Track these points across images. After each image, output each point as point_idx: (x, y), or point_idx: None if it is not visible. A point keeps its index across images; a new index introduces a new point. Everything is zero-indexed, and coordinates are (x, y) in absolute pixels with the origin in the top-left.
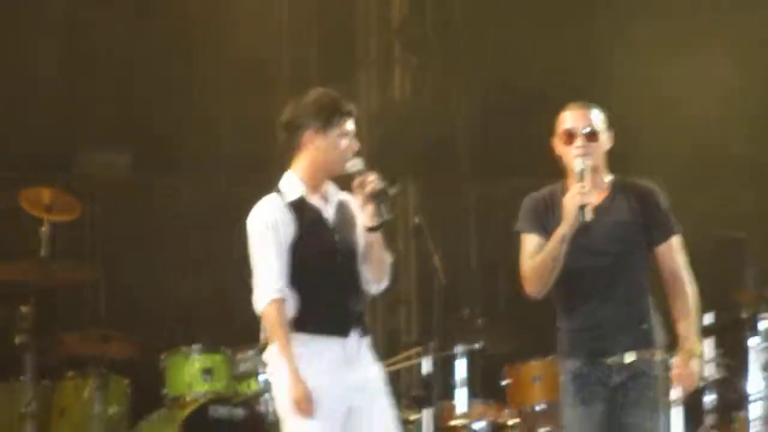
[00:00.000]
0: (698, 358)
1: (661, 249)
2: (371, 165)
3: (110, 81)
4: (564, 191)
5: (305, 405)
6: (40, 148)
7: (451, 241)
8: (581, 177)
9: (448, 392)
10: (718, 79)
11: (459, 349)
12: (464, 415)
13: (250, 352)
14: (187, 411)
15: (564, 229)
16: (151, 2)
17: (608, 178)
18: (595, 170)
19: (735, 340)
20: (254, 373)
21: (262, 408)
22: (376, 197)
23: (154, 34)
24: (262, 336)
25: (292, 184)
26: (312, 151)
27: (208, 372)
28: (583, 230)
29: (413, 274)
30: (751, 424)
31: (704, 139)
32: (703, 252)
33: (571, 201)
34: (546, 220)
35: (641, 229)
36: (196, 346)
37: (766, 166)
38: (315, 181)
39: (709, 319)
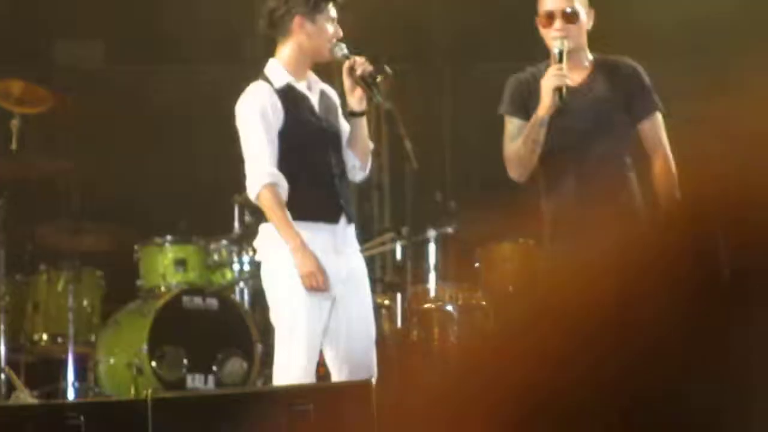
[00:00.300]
0: None
1: (644, 125)
2: (354, 50)
3: None
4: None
5: (319, 276)
6: (9, 39)
7: (424, 125)
8: (559, 59)
9: (422, 276)
10: None
11: (431, 233)
12: (436, 298)
13: (224, 242)
14: (161, 302)
15: (541, 112)
16: None
17: (590, 56)
18: (575, 50)
19: None
20: (228, 263)
21: (236, 297)
22: (366, 81)
23: None
24: (236, 225)
25: (278, 71)
26: (300, 38)
27: (181, 263)
28: (562, 111)
29: (385, 160)
30: None
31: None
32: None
33: (547, 83)
34: (528, 102)
35: (623, 107)
36: (169, 237)
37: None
38: (300, 69)
39: None
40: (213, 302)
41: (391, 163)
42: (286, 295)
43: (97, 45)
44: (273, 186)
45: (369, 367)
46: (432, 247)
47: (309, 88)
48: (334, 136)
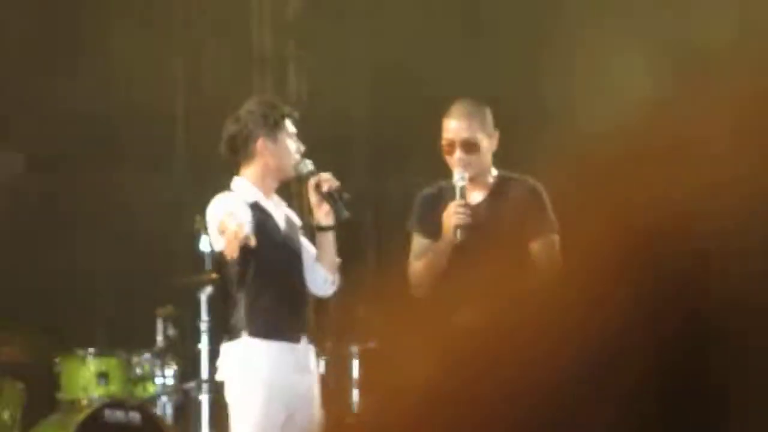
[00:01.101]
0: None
1: (534, 246)
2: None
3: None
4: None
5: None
6: None
7: (346, 241)
8: (460, 194)
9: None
10: None
11: (353, 349)
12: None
13: (146, 355)
14: (81, 415)
15: (440, 246)
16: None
17: (494, 173)
18: (477, 175)
19: None
20: (150, 377)
21: (158, 411)
22: (333, 197)
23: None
24: (158, 338)
25: (247, 188)
26: (265, 158)
27: (103, 376)
28: (460, 244)
29: None
30: None
31: None
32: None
33: (447, 220)
34: (433, 219)
35: (516, 229)
36: (91, 350)
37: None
38: (267, 188)
39: None
40: (135, 416)
41: None
42: (251, 416)
43: (15, 153)
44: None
45: None
46: (355, 363)
47: (275, 206)
48: (298, 256)
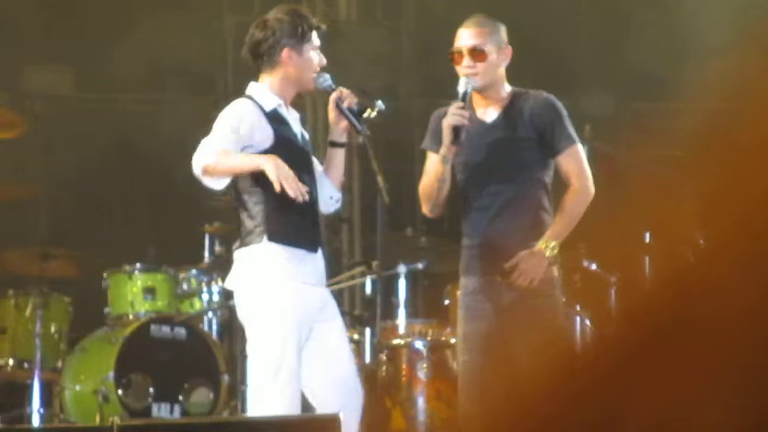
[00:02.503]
0: (543, 257)
1: (559, 159)
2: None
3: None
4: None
5: (287, 168)
6: None
7: (395, 159)
8: (462, 98)
9: (391, 312)
10: None
11: (402, 268)
12: (405, 335)
13: (194, 271)
14: (128, 330)
15: (443, 150)
16: None
17: (507, 90)
18: (487, 87)
19: None
20: (197, 293)
21: (204, 327)
22: (354, 113)
23: None
24: (206, 255)
25: (266, 95)
26: (288, 68)
27: (150, 291)
28: (473, 148)
29: (356, 194)
30: None
31: None
32: (642, 170)
33: (445, 122)
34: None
35: (535, 142)
36: (138, 265)
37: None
38: (286, 96)
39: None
40: (181, 331)
41: (362, 197)
42: (268, 328)
43: (67, 72)
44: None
45: (356, 390)
46: (402, 283)
47: (291, 116)
48: (312, 166)
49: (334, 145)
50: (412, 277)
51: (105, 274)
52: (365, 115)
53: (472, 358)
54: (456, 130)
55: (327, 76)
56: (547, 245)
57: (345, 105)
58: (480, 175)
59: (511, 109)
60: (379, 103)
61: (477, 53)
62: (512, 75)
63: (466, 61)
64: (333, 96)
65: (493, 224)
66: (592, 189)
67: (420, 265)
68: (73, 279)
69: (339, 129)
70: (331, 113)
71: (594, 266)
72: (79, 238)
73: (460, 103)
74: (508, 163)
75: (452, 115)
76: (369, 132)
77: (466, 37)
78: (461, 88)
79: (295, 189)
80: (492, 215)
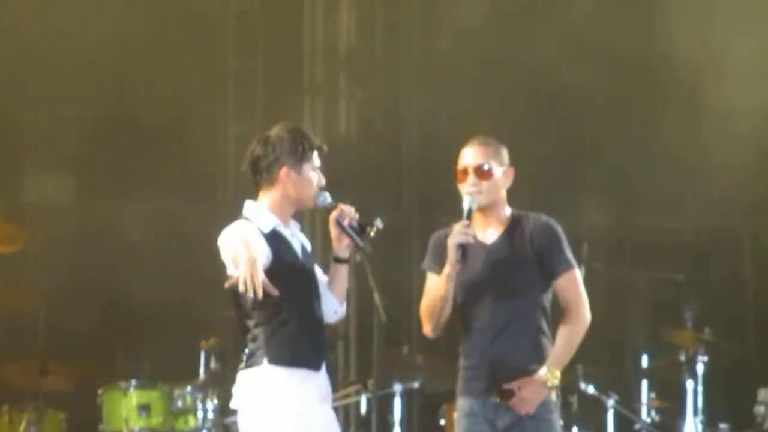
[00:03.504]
0: (544, 386)
1: (558, 282)
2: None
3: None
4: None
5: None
6: None
7: (392, 276)
8: (467, 216)
9: (387, 431)
10: None
11: (397, 387)
12: None
13: (188, 388)
14: None
15: (447, 269)
16: None
17: (507, 212)
18: (490, 207)
19: (673, 381)
20: (192, 410)
21: None
22: (354, 229)
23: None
24: (201, 371)
25: (264, 214)
26: (286, 186)
27: (144, 408)
28: (471, 269)
29: (352, 310)
30: None
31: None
32: (640, 293)
33: (451, 240)
34: (445, 258)
35: (535, 265)
36: (133, 381)
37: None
38: (284, 215)
39: (645, 361)
40: None
41: (359, 314)
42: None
43: (68, 181)
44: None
45: None
46: (398, 402)
47: (292, 234)
48: (315, 284)
49: (338, 260)
50: (408, 396)
51: (100, 391)
52: (366, 231)
53: None
54: (462, 249)
55: (326, 194)
56: (550, 374)
57: (346, 222)
58: (480, 296)
59: (511, 231)
60: (378, 221)
61: (482, 172)
62: (511, 194)
63: (471, 179)
64: (333, 214)
65: (493, 346)
66: (588, 315)
67: (416, 384)
68: (69, 392)
69: (342, 246)
70: (333, 230)
71: (591, 389)
72: (75, 352)
73: (466, 222)
74: (508, 284)
75: (458, 234)
76: (371, 248)
77: (471, 155)
78: (466, 206)
79: (250, 286)
80: (492, 336)
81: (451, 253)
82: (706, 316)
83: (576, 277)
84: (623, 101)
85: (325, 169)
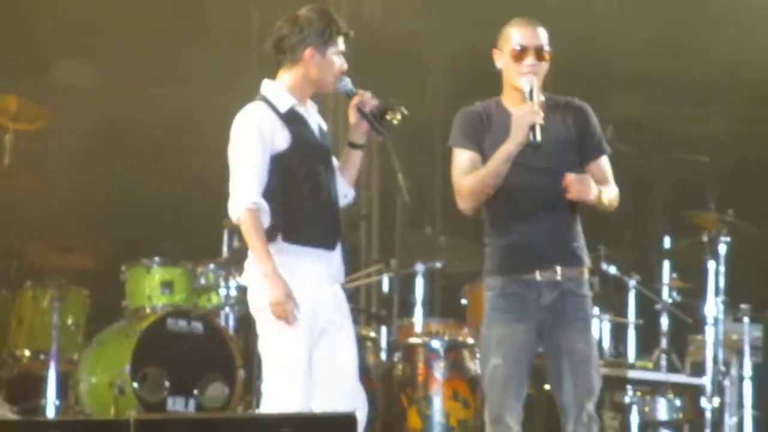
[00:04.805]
0: (591, 183)
1: (591, 167)
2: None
3: None
4: (499, 107)
5: (288, 305)
6: (5, 56)
7: (416, 158)
8: (531, 96)
9: (408, 310)
10: None
11: (419, 267)
12: (421, 334)
13: (212, 266)
14: (145, 323)
15: (510, 147)
16: None
17: (542, 96)
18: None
19: (695, 263)
20: (214, 287)
21: (221, 322)
22: (376, 117)
23: None
24: (224, 249)
25: (281, 94)
26: (309, 68)
27: (167, 285)
28: (528, 149)
29: (376, 191)
30: (707, 347)
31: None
32: (665, 175)
33: (522, 119)
34: (481, 136)
35: (574, 147)
36: (156, 259)
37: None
38: (303, 96)
39: (667, 242)
40: (198, 326)
41: (382, 195)
42: (276, 328)
43: (94, 65)
44: (254, 211)
45: (362, 405)
46: (420, 282)
47: (308, 113)
48: (331, 165)
49: (354, 146)
50: (430, 276)
51: (123, 268)
52: (387, 118)
53: (507, 363)
54: (533, 129)
55: (347, 80)
56: (599, 190)
57: (367, 110)
58: (521, 175)
59: (550, 113)
60: (402, 108)
61: (542, 53)
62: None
63: (531, 59)
64: (354, 101)
65: (534, 223)
66: (618, 194)
67: (438, 264)
68: (91, 271)
69: (359, 131)
70: (352, 116)
71: (613, 269)
72: (100, 231)
73: (533, 102)
74: (550, 164)
75: (529, 113)
76: (391, 136)
77: (532, 35)
78: (526, 87)
79: (278, 315)
80: (532, 214)
81: (522, 132)
82: (729, 197)
83: (607, 163)
84: None
85: (348, 55)
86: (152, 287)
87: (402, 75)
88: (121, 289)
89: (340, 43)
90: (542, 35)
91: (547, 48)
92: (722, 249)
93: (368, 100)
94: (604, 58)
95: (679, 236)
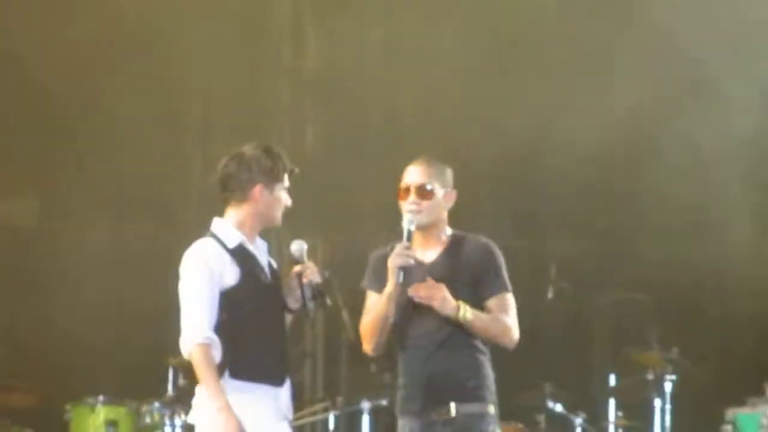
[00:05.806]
0: (450, 302)
1: (489, 304)
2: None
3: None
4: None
5: None
6: None
7: (361, 295)
8: (407, 237)
9: None
10: None
11: (365, 405)
12: None
13: (156, 404)
14: None
15: (389, 289)
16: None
17: (447, 232)
18: (430, 227)
19: (640, 401)
20: (160, 426)
21: None
22: (311, 290)
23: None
24: (169, 388)
25: (230, 231)
26: (258, 205)
27: (112, 424)
28: (407, 287)
29: (320, 329)
30: None
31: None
32: (607, 313)
33: (392, 262)
34: (384, 277)
35: (470, 286)
36: (101, 398)
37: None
38: (252, 231)
39: (612, 380)
40: None
41: (326, 332)
42: None
43: (30, 203)
44: (206, 346)
45: None
46: (366, 419)
47: (257, 250)
48: (281, 300)
49: (287, 311)
50: (375, 414)
51: (67, 407)
52: (317, 298)
53: None
54: (402, 271)
55: (305, 246)
56: (464, 308)
57: (305, 280)
58: (417, 315)
59: (449, 252)
60: (327, 300)
61: (424, 192)
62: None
63: (412, 198)
64: (297, 268)
65: (428, 364)
66: (516, 337)
67: (384, 402)
68: (35, 410)
69: (292, 297)
70: (291, 281)
71: (559, 407)
72: (41, 370)
73: (407, 243)
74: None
75: (399, 256)
76: (313, 313)
77: (414, 174)
78: (405, 226)
79: None
80: (428, 355)
81: (392, 275)
82: (673, 336)
83: (508, 300)
84: None
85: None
86: (96, 426)
87: (345, 210)
88: (65, 428)
89: (286, 180)
90: (429, 174)
91: (432, 187)
92: (668, 387)
93: (310, 274)
94: (546, 197)
95: (623, 374)
